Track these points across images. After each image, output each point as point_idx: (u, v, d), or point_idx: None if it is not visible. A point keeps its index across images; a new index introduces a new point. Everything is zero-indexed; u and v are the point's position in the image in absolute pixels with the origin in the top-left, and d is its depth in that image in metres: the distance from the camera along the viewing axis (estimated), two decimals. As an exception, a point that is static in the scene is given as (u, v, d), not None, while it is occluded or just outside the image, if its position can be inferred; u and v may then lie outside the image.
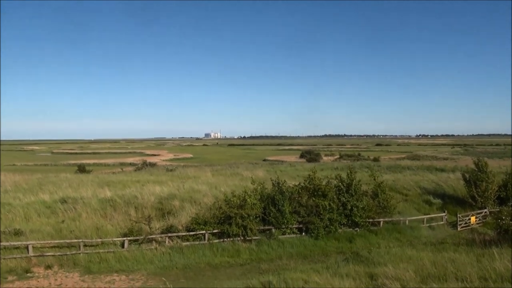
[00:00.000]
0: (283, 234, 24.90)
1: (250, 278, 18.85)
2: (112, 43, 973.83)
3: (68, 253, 20.88)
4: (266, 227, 24.73)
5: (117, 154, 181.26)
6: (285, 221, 24.72)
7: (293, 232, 25.36)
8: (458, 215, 29.46)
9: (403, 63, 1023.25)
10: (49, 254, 20.61)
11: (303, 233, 25.44)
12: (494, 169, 35.20)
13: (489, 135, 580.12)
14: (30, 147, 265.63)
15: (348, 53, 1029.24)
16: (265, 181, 27.89)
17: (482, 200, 32.03)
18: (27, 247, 20.52)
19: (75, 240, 21.39)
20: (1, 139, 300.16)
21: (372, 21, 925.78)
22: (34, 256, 20.37)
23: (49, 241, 21.30)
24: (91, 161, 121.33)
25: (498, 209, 28.40)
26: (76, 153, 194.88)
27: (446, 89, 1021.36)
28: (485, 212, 31.11)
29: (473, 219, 29.77)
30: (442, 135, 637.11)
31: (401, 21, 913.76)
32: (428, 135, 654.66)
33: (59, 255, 20.71)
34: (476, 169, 33.05)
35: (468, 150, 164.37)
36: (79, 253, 20.94)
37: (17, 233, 21.80)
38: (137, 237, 22.35)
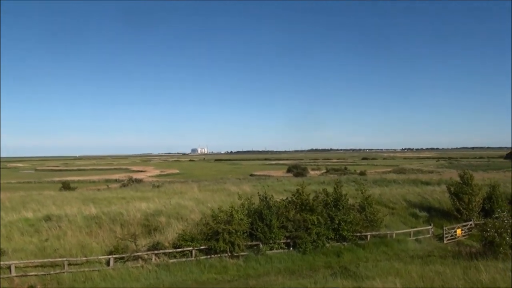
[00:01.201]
0: (271, 249, 24.74)
1: (238, 294, 18.72)
2: (97, 57, 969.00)
3: (52, 272, 20.40)
4: (254, 243, 24.55)
5: (102, 171, 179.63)
6: (273, 236, 24.59)
7: (281, 247, 25.20)
8: (444, 228, 29.67)
9: (388, 77, 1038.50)
10: (32, 273, 20.11)
11: (291, 248, 25.31)
12: (478, 181, 35.63)
13: (473, 148, 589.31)
14: (13, 165, 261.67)
15: (334, 68, 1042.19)
16: (252, 196, 27.79)
17: (467, 213, 32.34)
18: (9, 267, 20.00)
19: (59, 259, 20.94)
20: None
21: (356, 36, 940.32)
22: (16, 276, 19.86)
23: (32, 261, 20.81)
24: (76, 178, 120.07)
25: (483, 221, 28.67)
26: (60, 170, 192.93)
27: (430, 103, 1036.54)
28: (471, 224, 31.40)
29: (459, 231, 30.02)
30: (427, 149, 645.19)
31: (385, 36, 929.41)
32: (413, 149, 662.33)
33: (42, 274, 20.21)
34: (461, 182, 33.42)
35: (453, 163, 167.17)
36: (63, 272, 20.47)
37: (-1, 253, 21.28)
38: (123, 255, 21.99)
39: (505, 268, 15.97)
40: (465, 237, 30.38)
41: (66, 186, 71.51)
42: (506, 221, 23.87)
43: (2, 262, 20.16)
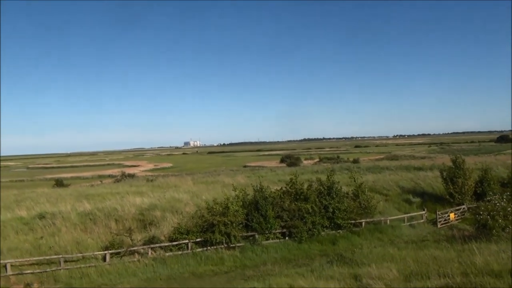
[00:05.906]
0: (267, 239, 24.87)
1: (235, 285, 18.82)
2: (87, 54, 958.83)
3: (48, 269, 20.38)
4: (250, 233, 24.65)
5: (95, 167, 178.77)
6: (269, 226, 24.69)
7: (277, 237, 25.35)
8: (437, 213, 29.97)
9: (379, 65, 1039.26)
10: (28, 272, 20.08)
11: (287, 238, 25.45)
12: (470, 165, 35.94)
13: (463, 133, 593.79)
14: (5, 163, 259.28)
15: (325, 57, 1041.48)
16: (246, 187, 27.84)
17: (459, 197, 32.64)
18: (5, 266, 19.95)
19: (55, 256, 20.90)
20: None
21: (345, 23, 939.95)
22: (12, 274, 19.82)
23: (28, 259, 20.76)
24: (69, 175, 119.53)
25: (476, 205, 29.00)
26: (53, 167, 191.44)
27: (420, 90, 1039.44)
28: (463, 208, 31.74)
29: (452, 215, 30.32)
30: (418, 135, 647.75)
31: (373, 26, 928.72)
32: (405, 135, 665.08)
33: (38, 272, 20.21)
34: (454, 167, 33.66)
35: (444, 148, 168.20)
36: (60, 269, 20.46)
37: (-6, 252, 21.18)
38: (119, 250, 21.99)
39: (498, 250, 16.13)
40: (458, 221, 30.70)
41: (59, 183, 71.09)
42: (498, 204, 24.12)
43: (-3, 261, 20.09)
